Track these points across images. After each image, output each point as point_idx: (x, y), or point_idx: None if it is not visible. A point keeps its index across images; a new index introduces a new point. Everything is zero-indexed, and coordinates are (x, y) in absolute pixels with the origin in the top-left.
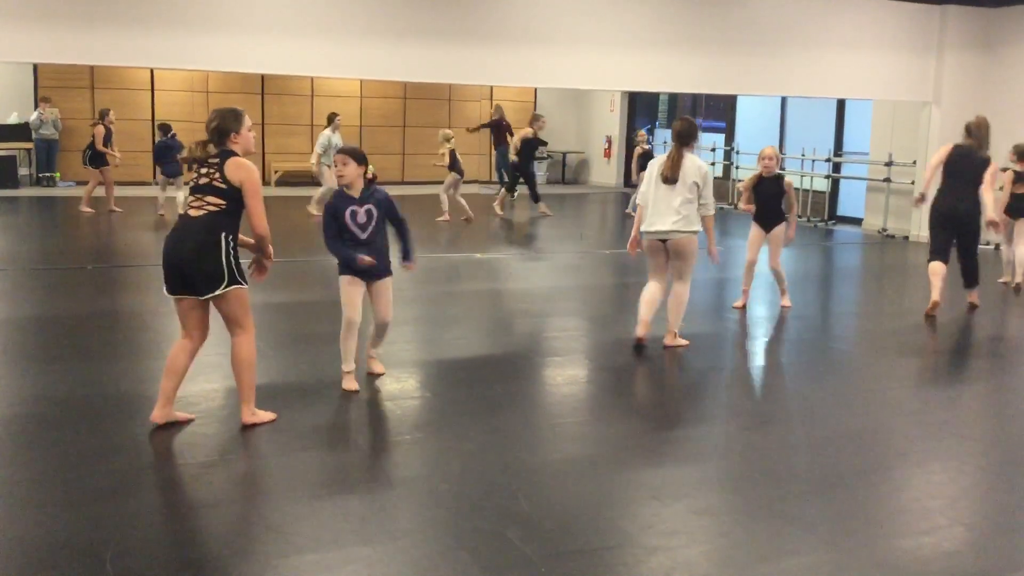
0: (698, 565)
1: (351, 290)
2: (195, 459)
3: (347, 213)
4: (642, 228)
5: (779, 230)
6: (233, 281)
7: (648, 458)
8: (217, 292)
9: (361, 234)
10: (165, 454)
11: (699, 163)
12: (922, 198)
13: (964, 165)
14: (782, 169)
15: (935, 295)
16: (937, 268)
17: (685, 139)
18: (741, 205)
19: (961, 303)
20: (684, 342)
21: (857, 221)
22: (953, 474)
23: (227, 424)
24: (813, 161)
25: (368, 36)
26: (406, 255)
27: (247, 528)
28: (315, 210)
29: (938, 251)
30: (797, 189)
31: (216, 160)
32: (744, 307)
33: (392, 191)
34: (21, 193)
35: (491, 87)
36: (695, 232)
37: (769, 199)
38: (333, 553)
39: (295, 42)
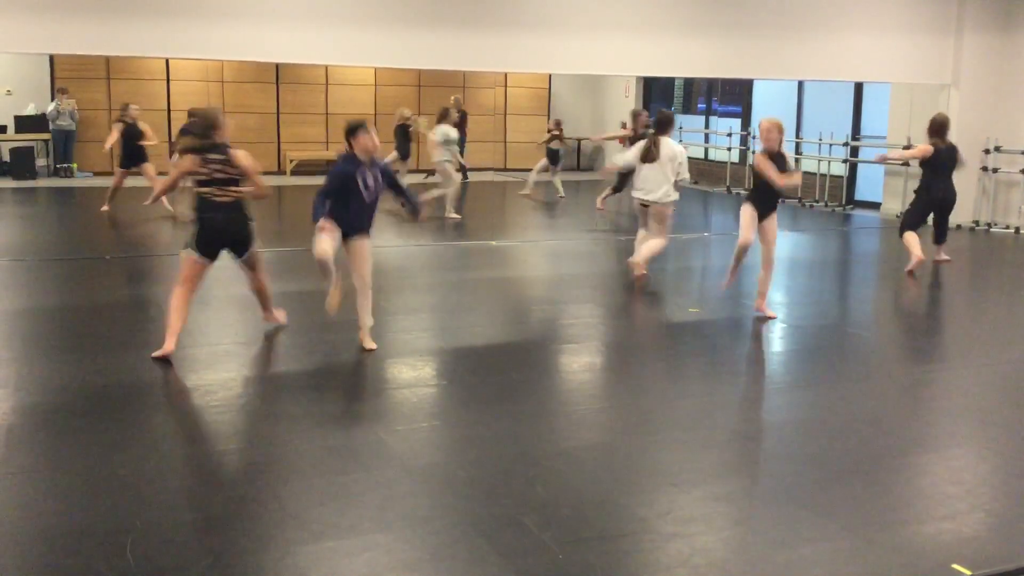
0: (715, 551)
1: (322, 238)
2: (214, 447)
3: (359, 177)
4: None
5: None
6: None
7: (665, 445)
8: None
9: (368, 197)
10: (184, 442)
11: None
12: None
13: (946, 160)
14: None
15: (920, 253)
16: (914, 237)
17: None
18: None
19: (980, 293)
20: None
21: (875, 206)
22: (973, 459)
23: (245, 412)
24: (831, 145)
25: (382, 24)
26: (414, 209)
27: (265, 515)
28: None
29: (915, 224)
30: (814, 174)
31: None
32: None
33: (408, 179)
34: (39, 184)
35: (505, 74)
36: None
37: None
38: (351, 540)
39: (310, 31)
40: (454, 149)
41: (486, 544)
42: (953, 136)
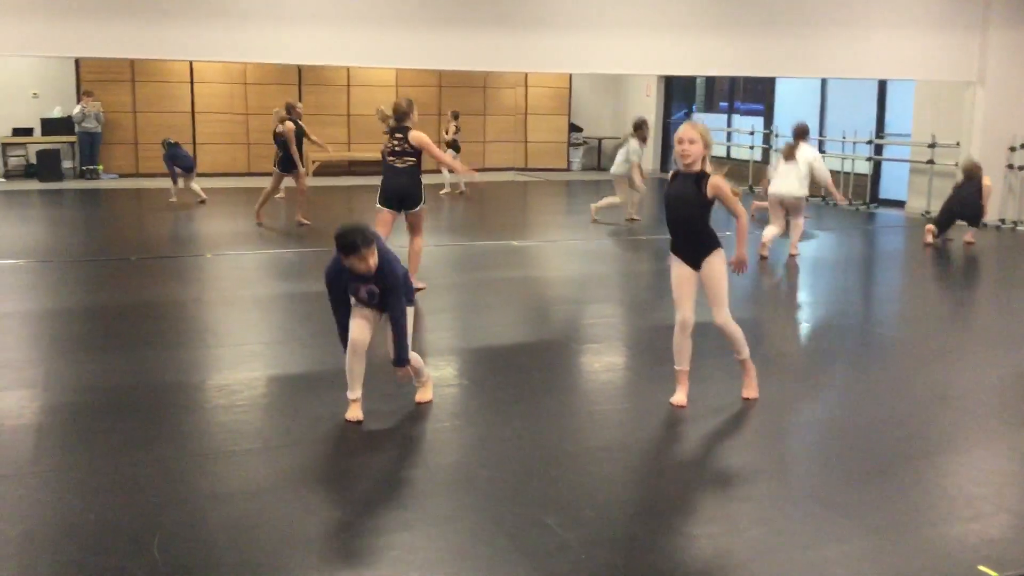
0: (739, 552)
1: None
2: (238, 446)
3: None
4: None
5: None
6: None
7: (688, 445)
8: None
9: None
10: (209, 442)
11: None
12: None
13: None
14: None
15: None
16: (930, 228)
17: None
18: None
19: (1005, 292)
20: None
21: (900, 204)
22: (999, 460)
23: (269, 412)
24: (854, 143)
25: (403, 25)
26: (397, 359)
27: (289, 514)
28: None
29: (940, 225)
30: (838, 171)
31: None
32: None
33: (428, 180)
34: (65, 186)
35: (526, 74)
36: None
37: None
38: (374, 539)
39: (332, 33)
40: (630, 161)
41: (509, 544)
42: (979, 134)
